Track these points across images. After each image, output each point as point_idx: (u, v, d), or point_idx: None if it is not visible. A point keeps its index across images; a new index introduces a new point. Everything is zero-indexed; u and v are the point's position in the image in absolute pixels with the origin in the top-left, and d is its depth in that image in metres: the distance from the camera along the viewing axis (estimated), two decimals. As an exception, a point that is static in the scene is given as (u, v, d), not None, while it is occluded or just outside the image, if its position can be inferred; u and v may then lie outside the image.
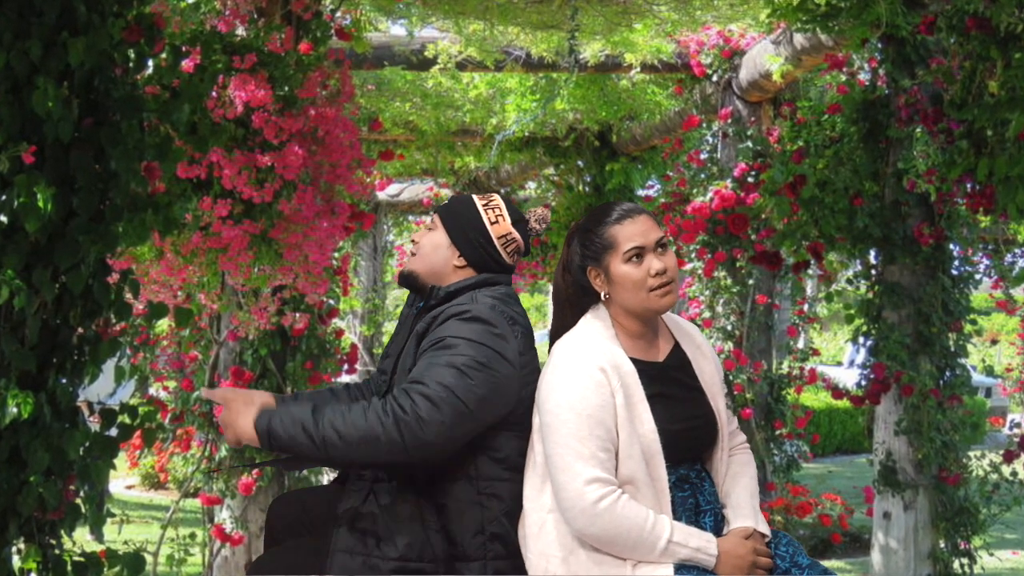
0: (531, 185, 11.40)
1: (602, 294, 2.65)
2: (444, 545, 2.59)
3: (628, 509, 2.43)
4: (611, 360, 2.55)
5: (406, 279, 2.87)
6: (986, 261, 5.27)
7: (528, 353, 2.68)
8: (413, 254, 2.88)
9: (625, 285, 2.60)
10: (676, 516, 2.53)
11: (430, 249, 2.84)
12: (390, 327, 14.51)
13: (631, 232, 2.61)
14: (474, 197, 2.88)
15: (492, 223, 2.81)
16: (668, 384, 2.63)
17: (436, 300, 2.76)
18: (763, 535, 2.59)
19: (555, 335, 2.72)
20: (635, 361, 2.60)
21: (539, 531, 2.53)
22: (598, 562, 2.46)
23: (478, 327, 2.60)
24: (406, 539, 2.56)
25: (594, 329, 2.63)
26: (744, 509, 2.63)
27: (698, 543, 2.46)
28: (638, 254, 2.60)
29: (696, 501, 2.61)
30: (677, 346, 2.73)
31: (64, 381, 2.64)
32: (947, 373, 5.12)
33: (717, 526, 2.62)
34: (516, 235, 2.84)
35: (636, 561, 2.45)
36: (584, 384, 2.49)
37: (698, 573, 2.44)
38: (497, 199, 2.87)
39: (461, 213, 2.84)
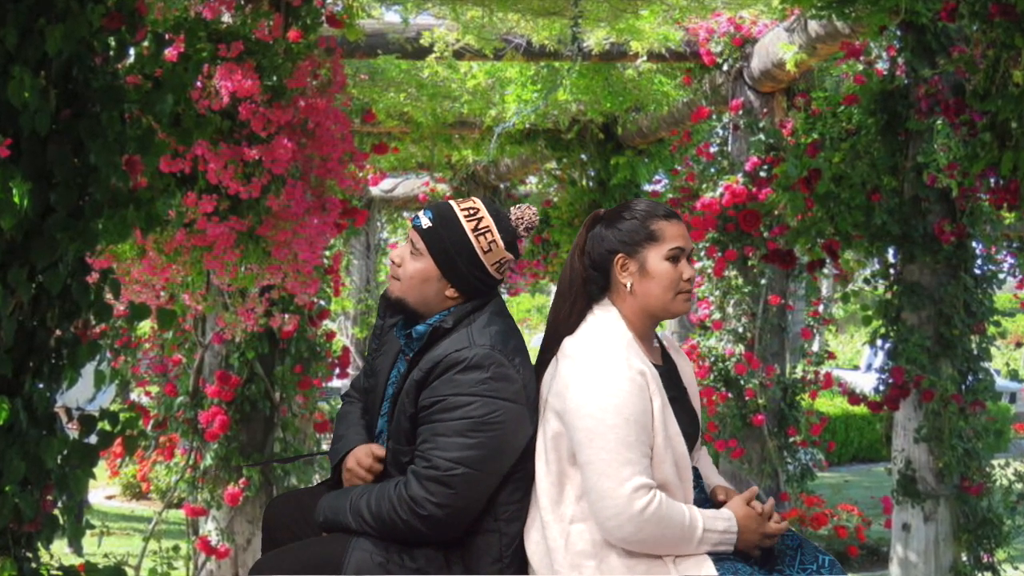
0: (532, 180, 11.36)
1: (626, 285, 2.62)
2: None
3: (671, 510, 2.47)
4: (644, 363, 2.56)
5: (397, 306, 2.72)
6: (1010, 260, 5.32)
7: (531, 380, 2.61)
8: (396, 277, 2.71)
9: (659, 281, 2.62)
10: None
11: (420, 281, 2.67)
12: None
13: (677, 232, 2.65)
14: (463, 222, 2.67)
15: (485, 252, 2.65)
16: (672, 387, 2.66)
17: (431, 340, 2.65)
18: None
19: (554, 329, 2.68)
20: None
21: (565, 543, 2.52)
22: (630, 566, 2.49)
23: (479, 376, 2.53)
24: (427, 559, 2.56)
25: (614, 330, 2.61)
26: (717, 476, 2.80)
27: (724, 524, 2.52)
28: (677, 256, 2.64)
29: (698, 499, 2.67)
30: (664, 349, 2.78)
31: (41, 386, 2.64)
32: (969, 377, 5.11)
33: None
34: (510, 257, 2.69)
35: (675, 557, 2.49)
36: (628, 388, 2.50)
37: (731, 563, 2.50)
38: (488, 221, 2.67)
39: (450, 242, 2.65)
